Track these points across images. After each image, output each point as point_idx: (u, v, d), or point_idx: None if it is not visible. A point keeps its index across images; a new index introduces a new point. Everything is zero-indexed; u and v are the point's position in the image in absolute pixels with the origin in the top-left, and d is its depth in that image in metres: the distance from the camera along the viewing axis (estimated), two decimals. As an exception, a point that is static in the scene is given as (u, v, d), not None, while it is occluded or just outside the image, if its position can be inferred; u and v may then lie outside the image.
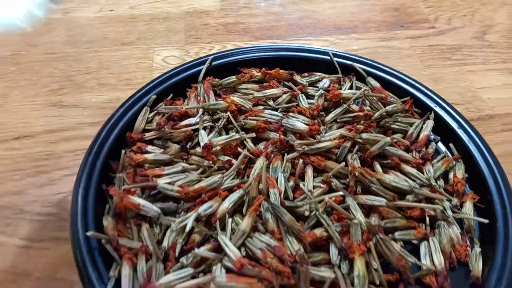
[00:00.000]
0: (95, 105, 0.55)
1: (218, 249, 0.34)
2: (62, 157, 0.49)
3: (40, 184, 0.47)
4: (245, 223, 0.33)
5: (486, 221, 0.36)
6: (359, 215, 0.35)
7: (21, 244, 0.42)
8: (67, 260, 0.40)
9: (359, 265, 0.32)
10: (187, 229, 0.32)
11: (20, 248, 0.41)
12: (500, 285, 0.31)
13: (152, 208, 0.36)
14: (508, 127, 0.52)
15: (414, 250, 0.36)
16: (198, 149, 0.41)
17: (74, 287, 0.39)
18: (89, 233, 0.33)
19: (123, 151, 0.40)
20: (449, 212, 0.36)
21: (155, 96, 0.45)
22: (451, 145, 0.43)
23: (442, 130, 0.44)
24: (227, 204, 0.35)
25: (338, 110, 0.43)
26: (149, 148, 0.42)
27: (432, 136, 0.44)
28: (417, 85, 0.47)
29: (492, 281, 0.32)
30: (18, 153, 0.50)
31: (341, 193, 0.35)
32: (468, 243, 0.36)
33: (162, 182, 0.38)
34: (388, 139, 0.39)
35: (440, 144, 0.44)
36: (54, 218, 0.44)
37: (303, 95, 0.46)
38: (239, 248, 0.33)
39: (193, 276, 0.31)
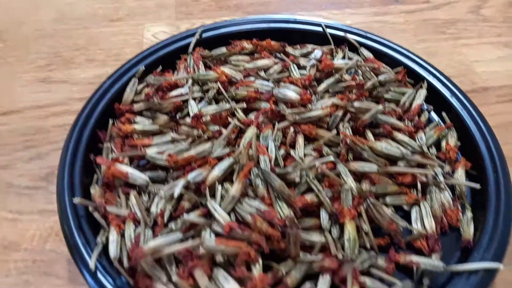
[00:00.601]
0: (84, 80, 0.55)
1: (208, 215, 0.33)
2: (51, 132, 0.49)
3: (29, 158, 0.46)
4: (234, 189, 0.33)
5: (478, 186, 0.36)
6: (350, 181, 0.34)
7: (9, 217, 0.41)
8: (55, 231, 0.40)
9: (350, 229, 0.32)
10: (175, 195, 0.32)
11: (8, 220, 0.41)
12: (491, 247, 0.31)
13: (140, 176, 0.35)
14: (502, 99, 0.52)
15: (406, 216, 0.35)
16: (188, 120, 0.40)
17: (63, 259, 0.38)
18: (75, 200, 0.32)
19: (110, 121, 0.39)
20: (441, 178, 0.36)
21: (143, 68, 0.44)
22: (443, 113, 0.43)
23: (435, 99, 0.43)
24: (216, 171, 0.35)
25: (330, 80, 0.43)
26: (138, 119, 0.41)
27: (425, 106, 0.44)
28: (410, 55, 0.46)
29: (483, 243, 0.32)
30: (6, 128, 0.49)
31: (331, 158, 0.35)
32: (460, 208, 0.36)
33: (150, 151, 0.37)
34: (380, 106, 0.39)
35: (433, 114, 0.44)
36: (42, 191, 0.43)
37: (294, 65, 0.45)
38: (228, 214, 0.32)
39: (182, 241, 0.31)
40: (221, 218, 0.31)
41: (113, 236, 0.32)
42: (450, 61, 0.57)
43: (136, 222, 0.33)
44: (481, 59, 0.57)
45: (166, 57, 0.47)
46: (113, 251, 0.31)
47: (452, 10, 0.66)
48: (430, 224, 0.34)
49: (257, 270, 0.30)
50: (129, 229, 0.32)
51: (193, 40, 0.47)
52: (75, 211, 0.33)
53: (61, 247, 0.39)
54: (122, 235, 0.32)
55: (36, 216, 0.41)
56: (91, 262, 0.30)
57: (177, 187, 0.32)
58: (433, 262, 0.31)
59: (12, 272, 0.37)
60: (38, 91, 0.53)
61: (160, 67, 0.46)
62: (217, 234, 0.31)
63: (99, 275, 0.30)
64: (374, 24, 0.63)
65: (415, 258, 0.32)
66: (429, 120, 0.43)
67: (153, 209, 0.33)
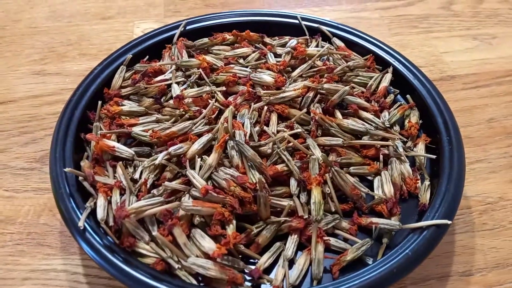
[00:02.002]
0: (76, 72, 0.58)
1: (187, 183, 0.36)
2: (45, 119, 0.52)
3: (24, 143, 0.49)
4: (211, 158, 0.36)
5: (434, 156, 0.39)
6: (317, 152, 0.38)
7: (5, 194, 0.44)
8: (49, 207, 0.43)
9: (316, 194, 0.35)
10: (157, 162, 0.35)
11: (4, 198, 0.44)
12: (442, 207, 0.35)
13: (126, 150, 0.38)
14: (467, 86, 0.56)
15: (370, 186, 0.39)
16: (171, 102, 0.44)
17: (55, 231, 0.41)
18: (66, 169, 0.36)
19: (99, 102, 0.42)
20: (401, 150, 0.39)
21: (131, 56, 0.47)
22: (408, 96, 0.46)
23: (401, 84, 0.47)
24: (196, 146, 0.38)
25: (304, 66, 0.46)
26: (125, 102, 0.44)
27: (392, 90, 0.47)
28: (379, 44, 0.50)
29: (436, 204, 0.35)
30: (3, 116, 0.52)
31: (299, 130, 0.38)
32: (419, 178, 0.39)
33: (136, 129, 0.40)
34: (347, 88, 0.42)
35: (400, 98, 0.47)
36: (37, 172, 0.46)
37: (271, 53, 0.48)
38: (206, 181, 0.35)
39: (163, 204, 0.34)
40: (199, 183, 0.34)
41: (101, 201, 0.35)
42: (420, 52, 0.61)
43: (122, 190, 0.36)
44: (450, 50, 0.61)
45: (152, 48, 0.50)
46: (100, 213, 0.34)
47: (425, 6, 0.70)
48: (389, 190, 0.37)
49: (230, 229, 0.33)
50: (116, 196, 0.35)
51: (177, 31, 0.51)
52: (66, 180, 0.36)
53: (54, 221, 0.42)
54: (109, 201, 0.35)
55: (31, 194, 0.45)
56: (80, 221, 0.33)
57: (159, 156, 0.36)
58: (390, 222, 0.35)
59: (8, 243, 0.40)
60: (33, 82, 0.57)
61: (147, 57, 0.49)
62: (195, 198, 0.34)
63: (87, 235, 0.33)
64: (351, 19, 0.66)
65: (374, 219, 0.35)
66: (395, 102, 0.46)
67: (136, 175, 0.36)
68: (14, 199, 0.44)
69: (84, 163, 0.38)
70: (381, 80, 0.46)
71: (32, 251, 0.40)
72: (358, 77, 0.47)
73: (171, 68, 0.46)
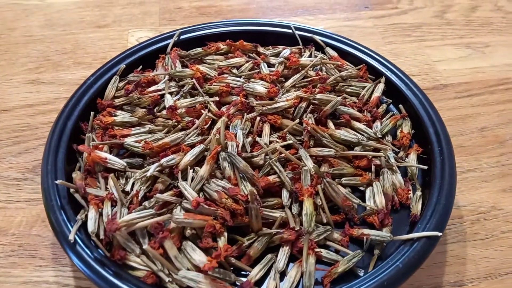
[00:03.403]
0: (71, 81, 0.58)
1: (179, 195, 0.36)
2: (39, 128, 0.52)
3: (17, 153, 0.49)
4: (203, 170, 0.36)
5: (425, 167, 0.39)
6: (309, 163, 0.38)
7: (-2, 205, 0.44)
8: (41, 218, 0.43)
9: (307, 205, 0.35)
10: (149, 174, 0.35)
11: (-4, 208, 0.44)
12: (433, 219, 0.35)
13: (118, 161, 0.38)
14: (460, 94, 0.56)
15: (362, 197, 0.39)
16: (165, 112, 0.44)
17: (47, 242, 0.41)
18: (58, 181, 0.36)
19: (92, 113, 0.43)
20: (392, 161, 0.39)
21: (124, 66, 0.48)
22: (400, 106, 0.46)
23: (394, 93, 0.47)
24: (188, 157, 0.38)
25: (297, 76, 0.46)
26: (118, 112, 0.44)
27: (384, 99, 0.48)
28: (372, 53, 0.50)
29: (427, 216, 0.35)
30: (-3, 124, 0.52)
31: (291, 141, 0.38)
32: (410, 188, 0.39)
33: (128, 140, 0.41)
34: (339, 98, 0.42)
35: (392, 107, 0.48)
36: (29, 182, 0.46)
37: (264, 63, 0.49)
38: (198, 193, 0.35)
39: (154, 216, 0.34)
40: (190, 195, 0.34)
41: (92, 213, 0.35)
42: (414, 60, 0.61)
43: (114, 202, 0.36)
44: (443, 58, 0.62)
45: (146, 57, 0.50)
46: (91, 226, 0.34)
47: (418, 14, 0.70)
48: (381, 200, 0.37)
49: (222, 241, 0.33)
50: (107, 208, 0.35)
51: (171, 41, 0.51)
52: (58, 192, 0.36)
53: (46, 232, 0.42)
54: (100, 214, 0.35)
55: (23, 204, 0.44)
56: (71, 235, 0.33)
57: (151, 168, 0.36)
58: (381, 233, 0.35)
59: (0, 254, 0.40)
60: (28, 91, 0.57)
61: (141, 67, 0.50)
62: (187, 210, 0.34)
63: (78, 248, 0.33)
64: (345, 28, 0.67)
65: (366, 231, 0.35)
66: (387, 112, 0.47)
67: (128, 187, 0.36)
68: (6, 210, 0.44)
69: (76, 175, 0.38)
70: (373, 90, 0.47)
71: (23, 262, 0.40)
72: (351, 87, 0.47)
73: (164, 78, 0.46)
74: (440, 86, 0.57)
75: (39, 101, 0.55)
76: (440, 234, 0.33)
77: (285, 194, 0.37)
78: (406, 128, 0.44)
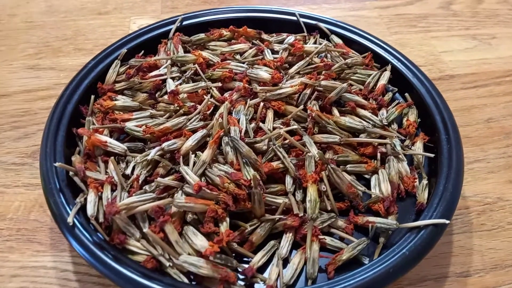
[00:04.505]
0: (71, 67, 0.57)
1: (180, 180, 0.35)
2: (38, 114, 0.51)
3: (16, 138, 0.49)
4: (205, 154, 0.35)
5: (432, 155, 0.38)
6: (314, 149, 0.37)
7: (-4, 190, 0.44)
8: (39, 203, 0.42)
9: (311, 191, 0.34)
10: (149, 157, 0.34)
11: (-5, 193, 0.43)
12: (440, 206, 0.34)
13: (118, 145, 0.37)
14: (466, 85, 0.55)
15: (367, 185, 0.38)
16: (166, 97, 0.43)
17: (45, 227, 0.40)
18: (56, 164, 0.35)
19: (92, 96, 0.42)
20: (398, 148, 0.39)
21: (125, 50, 0.47)
22: (406, 94, 0.45)
23: (400, 81, 0.46)
24: (190, 142, 0.37)
25: (301, 62, 0.46)
26: (119, 97, 0.44)
27: (390, 88, 0.47)
28: (377, 41, 0.49)
29: (434, 203, 0.34)
30: (-5, 110, 0.51)
31: (295, 126, 0.37)
32: (417, 176, 0.39)
33: (129, 125, 0.40)
34: (344, 85, 0.41)
35: (398, 96, 0.47)
36: (28, 167, 0.46)
37: (268, 50, 0.48)
38: (200, 178, 0.35)
39: (154, 200, 0.33)
40: (192, 180, 0.33)
41: (91, 197, 0.34)
42: (419, 51, 0.60)
43: (114, 186, 0.35)
44: (449, 49, 0.61)
45: (148, 43, 0.49)
46: (90, 209, 0.33)
47: (424, 5, 0.69)
48: (386, 188, 0.36)
49: (224, 226, 0.32)
50: (107, 192, 0.34)
51: (173, 26, 0.50)
52: (57, 175, 0.35)
53: (44, 217, 0.41)
54: (100, 197, 0.35)
55: (22, 189, 0.44)
56: (69, 217, 0.32)
57: (152, 152, 0.35)
58: (387, 221, 0.34)
59: (-3, 239, 0.40)
60: (27, 77, 0.56)
61: (143, 52, 0.49)
62: (188, 195, 0.34)
63: (77, 231, 0.32)
64: (349, 18, 0.66)
65: (371, 218, 0.34)
66: (393, 100, 0.46)
67: (128, 171, 0.35)
68: (4, 194, 0.43)
69: (75, 158, 0.37)
70: (379, 78, 0.46)
71: (21, 247, 0.39)
72: (356, 75, 0.46)
73: (166, 63, 0.45)
74: (446, 76, 0.56)
75: (38, 86, 0.54)
76: (447, 221, 0.32)
77: (288, 180, 0.36)
78: (412, 116, 0.43)
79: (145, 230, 0.31)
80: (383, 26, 0.65)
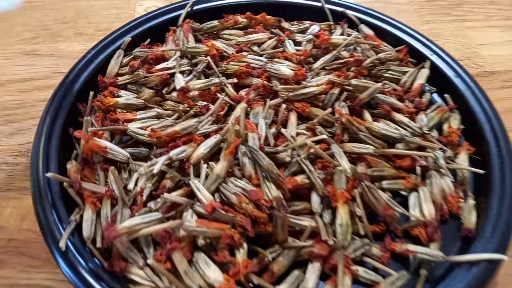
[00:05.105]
0: (71, 54, 0.52)
1: (191, 195, 0.31)
2: (34, 106, 0.46)
3: (9, 133, 0.44)
4: (219, 167, 0.30)
5: (483, 172, 0.33)
6: (344, 162, 0.32)
7: (-15, 193, 0.39)
8: (33, 210, 0.38)
9: (342, 214, 0.29)
10: (155, 170, 0.29)
11: (-16, 197, 0.39)
12: (495, 237, 0.29)
13: (120, 152, 0.33)
14: (508, 84, 0.49)
15: (403, 202, 0.33)
16: (174, 94, 0.38)
17: (40, 238, 0.36)
18: (48, 174, 0.30)
19: (91, 93, 0.37)
20: (442, 162, 0.34)
21: (129, 38, 0.42)
22: (446, 95, 0.40)
23: (438, 80, 0.41)
24: (202, 149, 0.32)
25: (327, 56, 0.40)
26: (122, 92, 0.39)
27: (427, 88, 0.41)
28: (413, 33, 0.44)
29: (486, 233, 0.29)
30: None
31: (324, 136, 0.32)
32: (461, 195, 0.34)
33: (133, 126, 0.35)
34: (379, 85, 0.36)
35: (436, 96, 0.41)
36: (22, 168, 0.41)
37: (290, 41, 0.42)
38: (212, 194, 0.30)
39: (161, 222, 0.28)
40: (204, 198, 0.29)
41: (88, 214, 0.29)
42: (454, 43, 0.54)
43: (114, 200, 0.31)
44: (487, 42, 0.55)
45: (154, 30, 0.44)
46: (86, 230, 0.29)
47: (458, -9, 0.63)
48: (429, 211, 0.31)
49: (241, 255, 0.28)
50: (106, 208, 0.30)
51: (183, 12, 0.44)
52: (49, 186, 0.31)
53: (38, 227, 0.37)
54: (98, 214, 0.30)
55: (14, 193, 0.39)
56: (62, 241, 0.27)
57: (158, 163, 0.30)
58: (432, 252, 0.29)
59: (-15, 251, 0.35)
60: (23, 64, 0.51)
61: (149, 40, 0.43)
62: (200, 215, 0.29)
63: (70, 256, 0.28)
64: (376, 4, 0.60)
65: (412, 247, 0.30)
66: (431, 102, 0.40)
67: (131, 185, 0.30)
68: (-6, 199, 0.39)
69: (71, 166, 0.32)
70: (416, 76, 0.40)
71: (12, 261, 0.35)
72: (389, 72, 0.41)
73: (175, 54, 0.40)
74: (485, 73, 0.50)
75: (35, 75, 0.50)
76: (506, 258, 0.27)
77: (315, 198, 0.31)
78: (454, 122, 0.38)
79: (150, 261, 0.26)
80: (413, 13, 0.59)
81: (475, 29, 0.57)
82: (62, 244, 0.27)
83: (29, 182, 0.40)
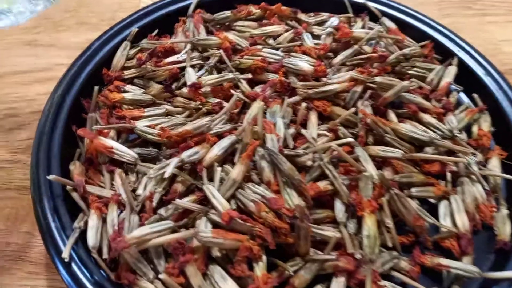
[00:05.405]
0: (73, 45, 0.50)
1: (204, 201, 0.28)
2: (34, 100, 0.45)
3: (8, 128, 0.42)
4: (236, 171, 0.28)
5: (519, 178, 0.31)
6: (371, 167, 0.30)
7: (-17, 192, 0.37)
8: (34, 215, 0.36)
9: (370, 224, 0.27)
10: (166, 174, 0.27)
11: (-18, 196, 0.37)
12: (535, 251, 0.27)
13: (127, 152, 0.30)
14: (534, 83, 0.47)
15: (430, 210, 0.31)
16: (185, 90, 0.35)
17: (40, 243, 0.34)
18: (50, 177, 0.28)
19: (96, 88, 0.34)
20: (475, 168, 0.31)
21: (136, 29, 0.39)
22: (475, 95, 0.38)
23: (466, 78, 0.38)
24: (216, 150, 0.30)
25: (348, 51, 0.38)
26: (128, 87, 0.36)
27: (453, 86, 0.39)
28: (438, 27, 0.41)
29: (525, 246, 0.27)
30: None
31: (350, 139, 0.30)
32: (494, 204, 0.31)
33: (140, 124, 0.32)
34: (405, 83, 0.34)
35: (462, 95, 0.39)
36: (21, 165, 0.39)
37: (308, 34, 0.40)
38: (228, 200, 0.27)
39: (173, 231, 0.26)
40: (220, 206, 0.26)
41: (93, 221, 0.27)
42: (476, 39, 0.51)
43: (121, 206, 0.28)
44: (509, 38, 0.52)
45: (163, 20, 0.42)
46: (92, 239, 0.26)
47: (479, -16, 0.60)
48: (463, 222, 0.29)
49: (260, 268, 0.25)
50: (112, 214, 0.28)
51: (193, 1, 0.42)
52: (51, 190, 0.28)
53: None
54: (104, 221, 0.28)
55: (13, 193, 0.38)
56: (65, 251, 0.25)
57: (169, 167, 0.28)
58: (467, 267, 0.27)
59: (-17, 255, 0.33)
60: (23, 55, 0.49)
61: (156, 31, 0.41)
62: (215, 224, 0.27)
63: (74, 267, 0.25)
64: (394, -5, 0.57)
65: (444, 261, 0.27)
66: (458, 102, 0.38)
67: (140, 191, 0.28)
68: (-7, 198, 0.37)
69: (74, 167, 0.30)
70: (443, 73, 0.38)
71: (11, 266, 0.33)
72: (414, 69, 0.38)
73: (185, 47, 0.37)
74: (510, 71, 0.48)
75: (35, 67, 0.48)
76: (550, 276, 0.25)
77: (339, 207, 0.29)
78: (485, 125, 0.35)
79: (161, 276, 0.24)
80: (433, 6, 0.56)
81: (497, 24, 0.54)
82: (65, 255, 0.25)
83: (29, 181, 0.38)
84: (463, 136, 0.35)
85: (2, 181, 0.38)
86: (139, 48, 0.39)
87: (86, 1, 0.56)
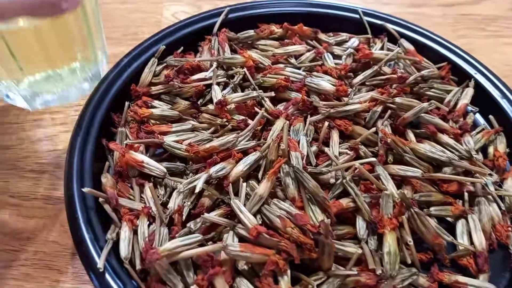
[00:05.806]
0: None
1: (230, 215, 0.30)
2: (60, 112, 0.45)
3: (35, 139, 0.43)
4: (262, 187, 0.29)
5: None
6: (391, 186, 0.31)
7: (11, 201, 0.38)
8: (60, 221, 0.37)
9: (390, 241, 0.28)
10: (197, 189, 0.28)
11: (10, 205, 0.38)
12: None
13: (157, 167, 0.32)
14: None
15: (448, 228, 0.32)
16: (210, 107, 0.37)
17: (67, 252, 0.35)
18: (85, 189, 0.29)
19: (126, 103, 0.36)
20: (492, 189, 0.32)
21: (164, 47, 0.40)
22: (491, 116, 0.39)
23: (482, 100, 0.39)
24: (241, 166, 0.31)
25: (368, 71, 0.39)
26: (156, 103, 0.38)
27: (469, 108, 0.40)
28: (455, 49, 0.42)
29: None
30: (14, 105, 0.45)
31: (373, 159, 0.31)
32: (509, 223, 0.32)
33: (169, 139, 0.34)
34: (425, 104, 0.35)
35: (478, 116, 0.40)
36: (48, 176, 0.40)
37: (329, 54, 0.41)
38: (254, 216, 0.29)
39: (202, 244, 0.27)
40: (248, 221, 0.27)
41: (125, 233, 0.28)
42: (491, 60, 0.52)
43: (151, 218, 0.30)
44: (525, 59, 0.53)
45: (188, 38, 0.43)
46: (124, 250, 0.27)
47: (492, 5, 0.61)
48: (480, 240, 0.30)
49: (285, 282, 0.26)
50: (143, 226, 0.29)
51: (218, 20, 0.43)
52: (84, 202, 0.29)
53: (66, 239, 0.36)
54: (135, 232, 0.29)
55: (40, 203, 0.38)
56: (100, 262, 0.26)
57: (199, 181, 0.29)
58: (483, 284, 0.28)
59: (12, 263, 0.34)
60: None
61: (182, 48, 0.42)
62: (241, 238, 0.28)
63: (107, 277, 0.26)
64: (409, 16, 0.58)
65: (461, 278, 0.28)
66: (474, 123, 0.39)
67: (171, 204, 0.29)
68: (20, 208, 0.38)
69: (106, 180, 0.31)
70: (460, 95, 0.39)
71: (39, 275, 0.34)
72: (432, 90, 0.39)
73: (211, 65, 0.39)
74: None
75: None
76: None
77: (361, 224, 0.30)
78: (501, 146, 0.36)
79: (192, 287, 0.25)
80: (447, 27, 0.57)
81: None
82: (100, 265, 0.26)
83: (56, 191, 0.39)
84: (479, 156, 0.36)
85: (29, 191, 0.39)
86: (165, 64, 0.41)
87: (109, 16, 0.57)
